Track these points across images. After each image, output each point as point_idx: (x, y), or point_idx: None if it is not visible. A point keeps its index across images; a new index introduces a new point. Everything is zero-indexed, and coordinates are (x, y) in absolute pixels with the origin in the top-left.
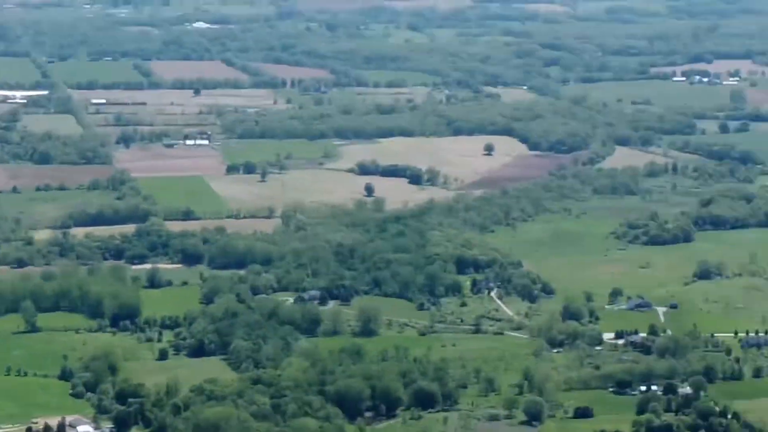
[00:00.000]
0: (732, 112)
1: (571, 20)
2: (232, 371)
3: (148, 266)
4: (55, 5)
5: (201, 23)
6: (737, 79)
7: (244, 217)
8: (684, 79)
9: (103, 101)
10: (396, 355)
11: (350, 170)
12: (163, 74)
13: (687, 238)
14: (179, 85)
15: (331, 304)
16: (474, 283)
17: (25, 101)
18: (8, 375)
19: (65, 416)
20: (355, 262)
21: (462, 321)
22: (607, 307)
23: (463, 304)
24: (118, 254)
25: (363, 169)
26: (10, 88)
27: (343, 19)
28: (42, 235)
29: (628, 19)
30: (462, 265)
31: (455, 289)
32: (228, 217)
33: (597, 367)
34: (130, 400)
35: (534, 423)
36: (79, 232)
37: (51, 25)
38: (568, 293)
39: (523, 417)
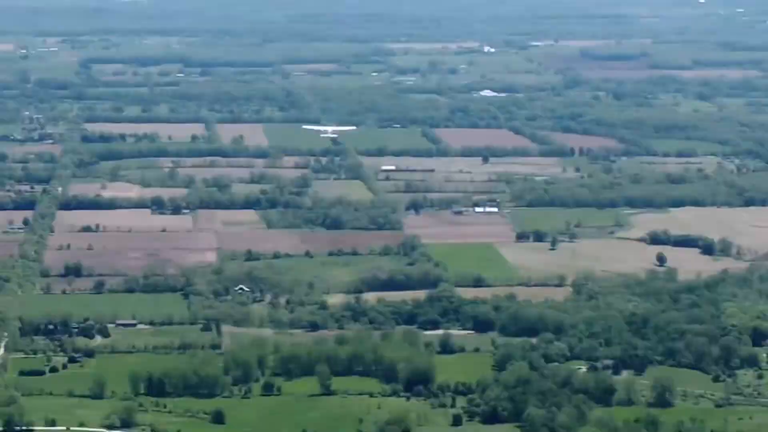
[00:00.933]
0: None
1: None
2: None
3: (439, 332)
4: (344, 73)
5: (488, 91)
6: None
7: (535, 285)
8: None
9: (393, 168)
10: (692, 427)
11: (641, 239)
12: (451, 142)
13: None
14: (467, 152)
15: (625, 373)
16: None
17: (336, 135)
18: None
19: None
20: (648, 332)
21: (759, 394)
22: None
23: (760, 377)
24: (409, 319)
25: (654, 239)
26: (301, 153)
27: (630, 89)
28: (335, 300)
29: None
30: (758, 336)
31: (752, 362)
32: (518, 284)
33: None
34: None
35: None
36: (371, 297)
37: (340, 92)
38: None
39: None
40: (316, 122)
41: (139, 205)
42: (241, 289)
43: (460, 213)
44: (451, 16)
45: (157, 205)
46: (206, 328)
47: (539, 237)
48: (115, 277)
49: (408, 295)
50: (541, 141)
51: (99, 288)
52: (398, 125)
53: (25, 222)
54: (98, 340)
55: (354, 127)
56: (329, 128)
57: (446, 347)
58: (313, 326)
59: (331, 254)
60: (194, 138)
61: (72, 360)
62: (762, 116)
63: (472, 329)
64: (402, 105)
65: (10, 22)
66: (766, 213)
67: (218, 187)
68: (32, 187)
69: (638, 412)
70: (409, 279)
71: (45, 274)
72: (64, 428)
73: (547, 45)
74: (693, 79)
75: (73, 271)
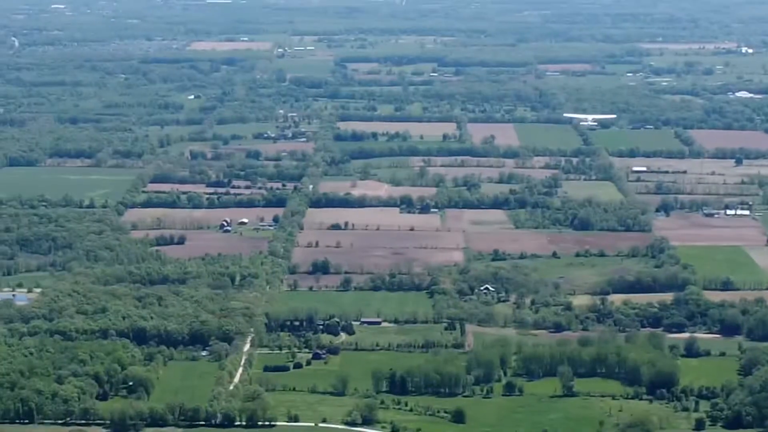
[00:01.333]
0: None
1: None
2: None
3: (685, 335)
4: (598, 73)
5: (744, 93)
6: None
7: None
8: None
9: (644, 169)
10: None
11: None
12: (704, 143)
13: None
14: (720, 154)
15: None
16: None
17: (596, 124)
18: None
19: None
20: None
21: None
22: None
23: None
24: (655, 322)
25: None
26: (551, 154)
27: None
28: (580, 301)
29: None
30: None
31: None
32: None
33: None
34: None
35: None
36: (617, 299)
37: (593, 93)
38: None
39: None
40: (569, 122)
41: (388, 203)
42: (486, 288)
43: (710, 215)
44: (709, 16)
45: (406, 204)
46: (450, 327)
47: None
48: (362, 274)
49: (654, 298)
50: None
51: (345, 285)
52: (651, 126)
53: (275, 219)
54: (342, 337)
55: (614, 116)
56: (589, 117)
57: (691, 350)
58: (557, 327)
59: (578, 255)
60: (445, 137)
61: (316, 356)
62: None
63: (719, 333)
64: (656, 105)
65: (269, 22)
66: None
67: (467, 186)
68: (284, 185)
69: None
70: (656, 281)
71: (293, 271)
72: (309, 424)
73: None
74: None
75: (321, 268)
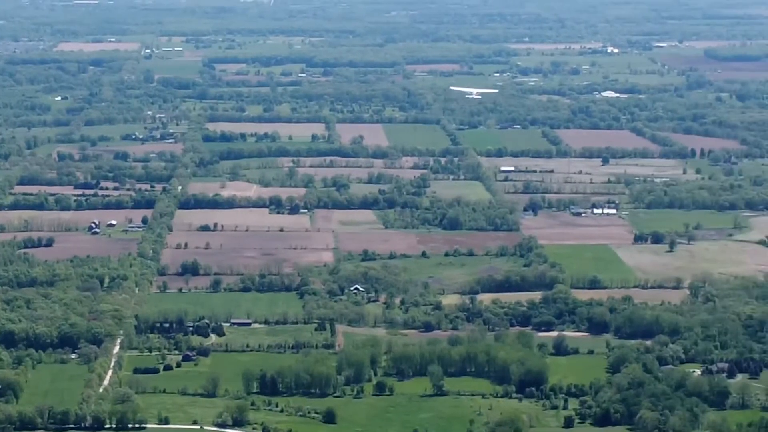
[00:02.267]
0: None
1: None
2: None
3: (554, 334)
4: (466, 73)
5: (610, 92)
6: None
7: (651, 287)
8: None
9: (512, 168)
10: None
11: (760, 242)
12: (571, 143)
13: None
14: (587, 153)
15: (740, 377)
16: None
17: (480, 97)
18: None
19: None
20: (765, 335)
21: None
22: None
23: None
24: (524, 321)
25: None
26: (420, 154)
27: (753, 90)
28: (450, 300)
29: None
30: None
31: None
32: (635, 286)
33: None
34: None
35: None
36: (486, 298)
37: (461, 93)
38: None
39: None
40: (437, 122)
41: (258, 204)
42: (356, 289)
43: (578, 214)
44: (575, 16)
45: (276, 205)
46: (320, 328)
47: (657, 239)
48: (232, 275)
49: (523, 296)
50: (662, 142)
51: (215, 287)
52: (519, 126)
53: (144, 220)
54: (213, 338)
55: (496, 90)
56: (474, 90)
57: (560, 349)
58: (427, 327)
59: (447, 255)
60: (314, 138)
61: (186, 358)
62: None
63: (587, 331)
64: (523, 105)
65: (136, 23)
66: None
67: (336, 186)
68: (152, 186)
69: (752, 416)
70: (524, 280)
71: (162, 273)
72: (180, 426)
73: (671, 46)
74: None
75: (190, 270)
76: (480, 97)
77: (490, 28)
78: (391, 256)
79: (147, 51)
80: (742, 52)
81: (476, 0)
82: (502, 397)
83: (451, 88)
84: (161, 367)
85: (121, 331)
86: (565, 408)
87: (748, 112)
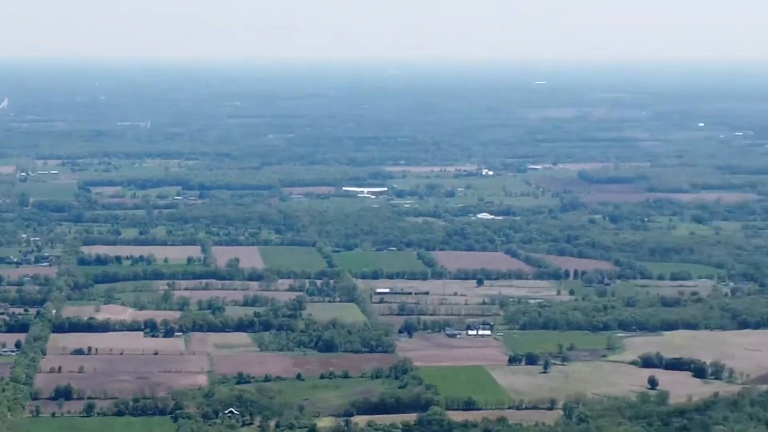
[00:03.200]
0: None
1: None
2: None
3: None
4: (342, 195)
5: (485, 214)
6: None
7: (526, 408)
8: None
9: (387, 290)
10: None
11: (633, 363)
12: (446, 264)
13: None
14: (462, 275)
15: None
16: None
17: (374, 196)
18: None
19: None
20: None
21: None
22: None
23: None
24: None
25: (646, 362)
26: (296, 276)
27: (626, 211)
28: (325, 422)
29: None
30: None
31: None
32: (509, 407)
33: None
34: None
35: None
36: (361, 420)
37: (336, 215)
38: None
39: None
40: (312, 245)
41: (132, 327)
42: (230, 412)
43: (453, 336)
44: (450, 139)
45: (150, 328)
46: None
47: (532, 360)
48: (105, 400)
49: (398, 419)
50: (536, 264)
51: (89, 411)
52: (394, 248)
53: (18, 344)
54: None
55: (385, 189)
56: (365, 189)
57: None
58: None
59: (322, 377)
60: (190, 260)
61: None
62: (758, 239)
63: None
64: (399, 227)
65: (12, 146)
66: (759, 336)
67: (212, 309)
68: (26, 310)
69: None
70: (399, 402)
71: (35, 397)
72: None
73: (545, 168)
74: (690, 202)
75: (63, 394)
76: (374, 196)
77: (366, 151)
78: (267, 379)
79: (22, 174)
80: (615, 174)
81: (352, 123)
82: None
83: (344, 189)
84: None
85: None
86: None
87: (621, 234)
